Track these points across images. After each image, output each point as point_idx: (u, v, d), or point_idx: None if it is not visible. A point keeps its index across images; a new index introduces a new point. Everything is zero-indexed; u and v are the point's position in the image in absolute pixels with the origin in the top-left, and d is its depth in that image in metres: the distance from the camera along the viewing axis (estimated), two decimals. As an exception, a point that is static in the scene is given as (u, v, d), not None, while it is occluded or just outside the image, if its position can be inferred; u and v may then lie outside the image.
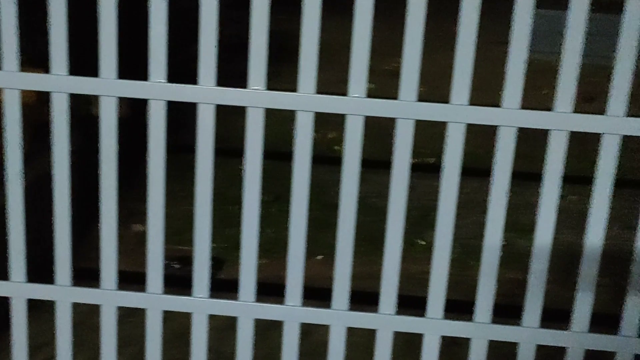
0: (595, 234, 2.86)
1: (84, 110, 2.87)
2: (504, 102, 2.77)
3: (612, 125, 2.77)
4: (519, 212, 3.08)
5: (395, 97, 2.77)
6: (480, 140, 3.00)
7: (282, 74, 3.28)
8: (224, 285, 3.03)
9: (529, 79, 2.77)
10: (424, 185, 2.88)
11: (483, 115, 2.77)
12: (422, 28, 2.73)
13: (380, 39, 2.75)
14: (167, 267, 2.94)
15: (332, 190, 2.89)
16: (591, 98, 2.81)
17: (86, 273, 3.05)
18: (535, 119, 2.77)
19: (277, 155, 3.20)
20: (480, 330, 2.95)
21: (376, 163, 3.27)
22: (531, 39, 2.73)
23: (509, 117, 2.77)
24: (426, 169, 2.98)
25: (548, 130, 2.79)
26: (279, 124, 2.94)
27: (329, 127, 2.86)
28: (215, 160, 2.85)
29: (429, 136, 2.84)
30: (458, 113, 2.77)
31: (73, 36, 2.78)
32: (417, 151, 2.86)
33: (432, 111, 2.78)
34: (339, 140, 2.83)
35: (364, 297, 3.00)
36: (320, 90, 2.79)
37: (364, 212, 2.98)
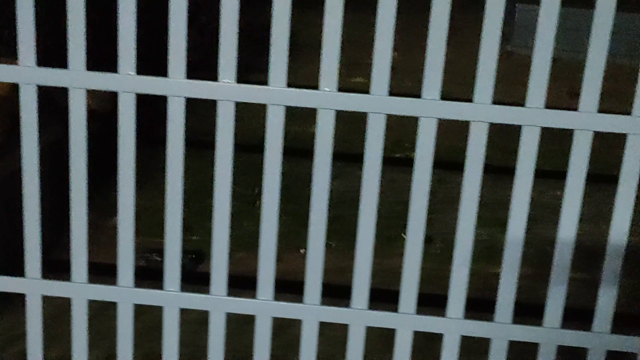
0: (568, 229, 2.84)
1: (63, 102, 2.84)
2: (476, 97, 2.75)
3: (584, 121, 2.74)
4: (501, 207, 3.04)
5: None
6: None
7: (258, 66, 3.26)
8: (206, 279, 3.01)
9: (509, 74, 2.74)
10: (407, 180, 2.86)
11: (454, 110, 2.75)
12: (392, 21, 2.70)
13: (370, 31, 2.73)
14: (148, 260, 2.93)
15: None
16: (576, 94, 2.77)
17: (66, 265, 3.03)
18: (507, 115, 2.75)
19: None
20: (454, 325, 2.94)
21: (357, 157, 3.21)
22: (511, 33, 2.69)
23: (481, 112, 2.74)
24: (409, 163, 2.93)
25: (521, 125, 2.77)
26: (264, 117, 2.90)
27: (311, 120, 2.82)
28: (195, 153, 2.82)
29: (413, 130, 2.79)
30: (429, 108, 2.75)
31: (43, 27, 2.77)
32: (401, 145, 2.83)
33: (403, 106, 2.76)
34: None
35: (343, 292, 2.98)
36: (300, 84, 2.77)
37: (343, 206, 2.95)
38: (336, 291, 2.99)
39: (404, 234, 2.89)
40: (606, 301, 2.90)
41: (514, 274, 2.89)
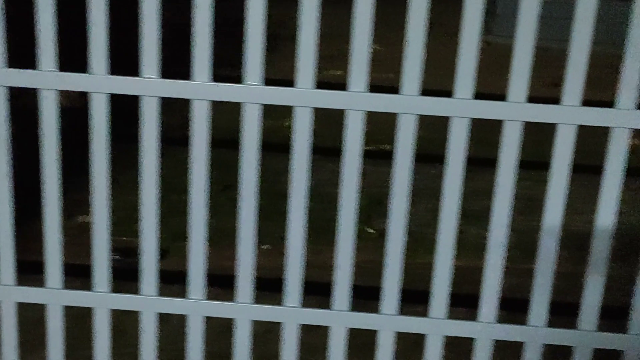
0: (553, 223, 2.79)
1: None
2: (457, 92, 2.69)
3: (567, 115, 2.69)
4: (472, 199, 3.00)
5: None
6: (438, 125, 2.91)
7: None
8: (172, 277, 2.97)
9: (490, 64, 2.70)
10: (377, 172, 2.81)
11: (435, 106, 2.69)
12: (370, 14, 2.64)
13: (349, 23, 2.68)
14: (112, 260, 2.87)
15: (285, 179, 2.79)
16: (557, 84, 2.74)
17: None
18: (487, 109, 2.69)
19: (227, 143, 3.09)
20: (435, 325, 2.88)
21: (329, 150, 3.13)
22: (492, 23, 2.64)
23: (461, 107, 2.69)
24: (381, 156, 2.89)
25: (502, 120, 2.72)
26: (229, 112, 2.84)
27: (285, 114, 2.78)
28: (164, 150, 2.78)
29: (385, 122, 2.77)
30: (408, 104, 2.69)
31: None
32: (372, 138, 2.77)
33: (381, 102, 2.70)
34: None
35: (316, 288, 2.94)
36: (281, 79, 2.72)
37: (316, 200, 2.92)
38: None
39: (369, 228, 2.83)
40: (592, 298, 2.85)
41: (497, 272, 2.84)
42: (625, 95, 2.68)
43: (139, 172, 2.78)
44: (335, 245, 2.82)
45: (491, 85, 2.89)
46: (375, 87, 2.70)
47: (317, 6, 2.64)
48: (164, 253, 3.11)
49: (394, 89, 2.70)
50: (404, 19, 2.62)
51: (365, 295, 2.96)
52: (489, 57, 2.73)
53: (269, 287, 2.97)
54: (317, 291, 2.96)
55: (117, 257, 2.97)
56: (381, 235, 2.88)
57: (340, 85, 2.72)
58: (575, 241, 3.08)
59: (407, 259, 2.82)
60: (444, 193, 2.77)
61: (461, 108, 2.68)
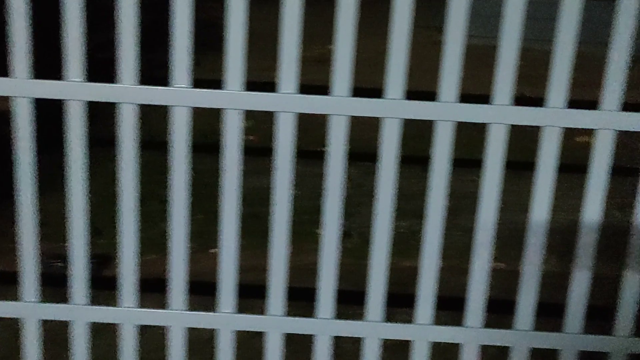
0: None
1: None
2: (388, 92, 2.59)
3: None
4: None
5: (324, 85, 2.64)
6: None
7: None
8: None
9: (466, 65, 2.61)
10: (317, 175, 2.75)
11: (365, 107, 2.61)
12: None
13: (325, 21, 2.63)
14: (50, 267, 2.69)
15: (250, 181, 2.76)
16: (536, 83, 2.83)
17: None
18: (419, 110, 2.61)
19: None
20: (372, 329, 2.79)
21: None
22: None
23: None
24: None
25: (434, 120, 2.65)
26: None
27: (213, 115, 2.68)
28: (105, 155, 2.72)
29: (320, 124, 2.69)
30: (392, 107, 2.60)
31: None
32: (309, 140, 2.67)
33: (314, 103, 2.60)
34: (254, 129, 2.72)
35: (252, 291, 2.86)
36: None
37: (261, 203, 2.85)
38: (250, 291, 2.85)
39: (318, 229, 2.74)
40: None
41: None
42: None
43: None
44: (269, 248, 2.73)
45: (466, 87, 2.74)
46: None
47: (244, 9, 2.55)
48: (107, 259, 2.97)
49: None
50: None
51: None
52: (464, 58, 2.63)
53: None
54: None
55: (59, 263, 2.79)
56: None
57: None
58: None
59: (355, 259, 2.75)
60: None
61: (391, 108, 2.61)
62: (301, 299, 2.86)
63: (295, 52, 2.58)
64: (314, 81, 2.76)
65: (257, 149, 2.99)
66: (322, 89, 2.65)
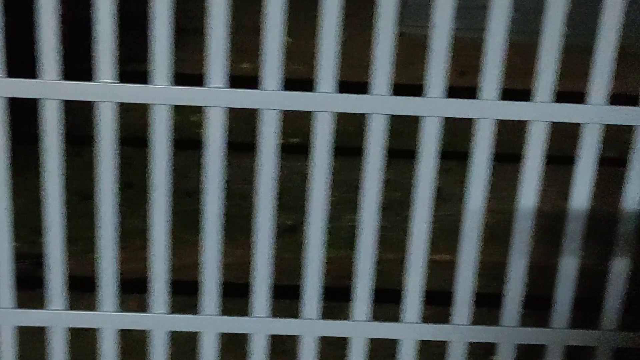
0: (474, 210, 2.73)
1: None
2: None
3: (485, 110, 2.64)
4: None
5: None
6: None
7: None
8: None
9: (403, 56, 2.67)
10: (288, 167, 2.78)
11: (352, 103, 2.63)
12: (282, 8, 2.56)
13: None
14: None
15: (192, 176, 2.74)
16: (463, 72, 2.72)
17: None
18: (406, 106, 2.63)
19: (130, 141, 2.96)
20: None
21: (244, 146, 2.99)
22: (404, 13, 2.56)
23: (323, 102, 2.62)
24: (290, 149, 2.84)
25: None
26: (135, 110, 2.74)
27: (191, 109, 2.69)
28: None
29: (293, 115, 2.67)
30: (323, 101, 2.62)
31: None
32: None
33: (295, 100, 2.62)
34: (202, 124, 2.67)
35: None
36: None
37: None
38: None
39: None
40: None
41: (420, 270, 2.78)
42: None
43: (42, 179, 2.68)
44: (252, 245, 2.74)
45: (403, 77, 2.76)
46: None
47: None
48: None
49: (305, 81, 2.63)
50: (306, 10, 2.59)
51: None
52: (400, 48, 2.63)
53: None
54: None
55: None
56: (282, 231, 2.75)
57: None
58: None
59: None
60: (363, 190, 2.70)
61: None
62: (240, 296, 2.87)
63: (278, 48, 2.58)
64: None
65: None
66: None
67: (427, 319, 2.85)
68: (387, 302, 2.88)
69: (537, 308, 2.86)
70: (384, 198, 2.72)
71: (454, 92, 2.64)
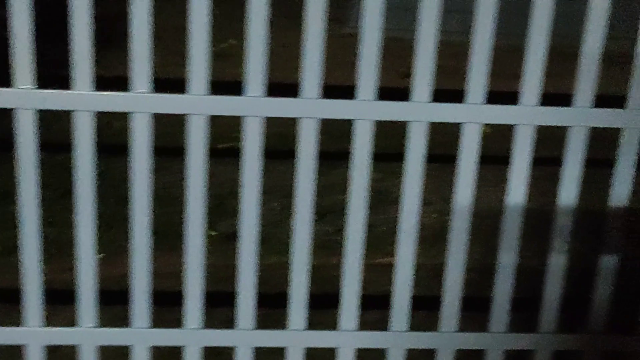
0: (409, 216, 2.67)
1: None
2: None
3: (417, 112, 2.61)
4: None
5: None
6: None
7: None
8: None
9: (348, 57, 2.63)
10: (218, 172, 2.70)
11: (226, 105, 2.58)
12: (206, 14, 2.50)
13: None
14: None
15: (120, 183, 2.67)
16: (408, 75, 2.64)
17: None
18: (337, 109, 2.59)
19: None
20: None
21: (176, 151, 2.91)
22: (348, 15, 2.50)
23: (252, 106, 2.57)
24: (222, 154, 2.79)
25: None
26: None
27: (114, 115, 2.60)
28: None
29: (226, 120, 2.63)
30: (252, 105, 2.56)
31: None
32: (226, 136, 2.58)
33: (223, 105, 2.57)
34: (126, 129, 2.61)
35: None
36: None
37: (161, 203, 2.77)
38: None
39: (213, 231, 2.64)
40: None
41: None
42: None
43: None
44: (183, 251, 2.66)
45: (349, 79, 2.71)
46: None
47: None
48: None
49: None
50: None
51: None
52: (345, 49, 2.60)
53: (107, 300, 2.80)
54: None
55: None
56: (225, 237, 2.65)
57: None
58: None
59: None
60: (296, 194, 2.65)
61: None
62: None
63: (204, 56, 2.52)
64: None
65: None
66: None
67: (373, 323, 2.78)
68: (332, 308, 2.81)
69: (481, 311, 2.82)
70: (328, 202, 2.67)
71: (399, 93, 2.62)
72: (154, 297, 2.71)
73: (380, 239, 2.82)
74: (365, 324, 2.79)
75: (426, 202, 2.74)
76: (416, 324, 2.80)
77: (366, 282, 2.77)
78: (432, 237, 2.79)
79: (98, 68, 2.53)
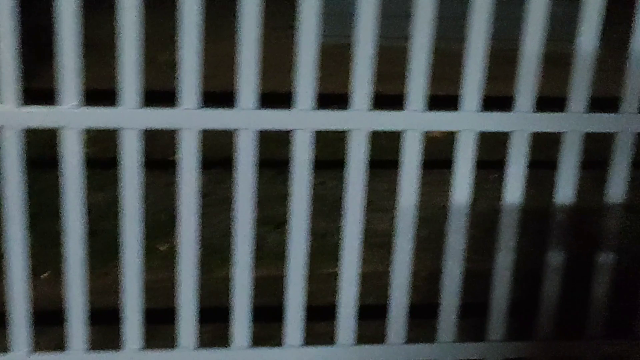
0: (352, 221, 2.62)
1: None
2: (239, 103, 2.51)
3: (356, 121, 2.55)
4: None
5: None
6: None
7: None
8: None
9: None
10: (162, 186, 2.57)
11: (161, 118, 2.50)
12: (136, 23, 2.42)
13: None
14: None
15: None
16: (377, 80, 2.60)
17: None
18: (275, 119, 2.53)
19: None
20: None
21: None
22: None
23: (245, 119, 2.50)
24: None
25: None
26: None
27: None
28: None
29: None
30: (187, 118, 2.49)
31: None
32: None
33: (159, 117, 2.50)
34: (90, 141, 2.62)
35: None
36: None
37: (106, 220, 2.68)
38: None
39: (160, 245, 2.63)
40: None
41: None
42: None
43: None
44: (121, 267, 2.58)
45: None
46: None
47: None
48: None
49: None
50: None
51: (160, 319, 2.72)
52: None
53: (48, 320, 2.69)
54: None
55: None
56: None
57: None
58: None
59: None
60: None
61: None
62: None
63: (135, 69, 2.45)
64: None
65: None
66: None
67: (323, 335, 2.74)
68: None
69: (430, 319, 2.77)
70: (279, 213, 2.61)
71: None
72: (95, 317, 2.65)
73: (335, 247, 2.74)
74: (317, 337, 2.74)
75: (382, 209, 2.69)
76: (370, 336, 2.74)
77: (318, 293, 2.73)
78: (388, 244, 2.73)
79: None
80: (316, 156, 2.58)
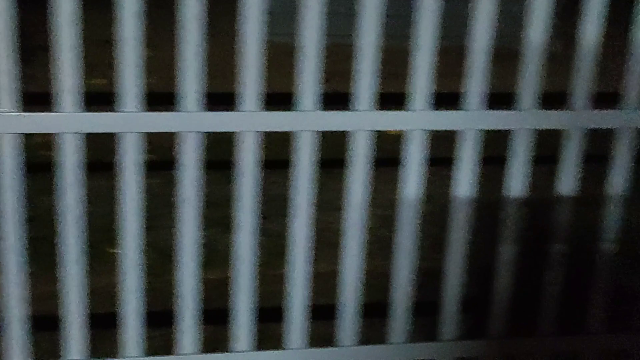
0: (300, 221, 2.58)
1: None
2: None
3: (304, 122, 2.50)
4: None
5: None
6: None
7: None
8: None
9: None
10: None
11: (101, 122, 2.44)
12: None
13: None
14: None
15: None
16: (327, 79, 2.57)
17: None
18: (218, 121, 2.47)
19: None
20: None
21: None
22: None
23: (128, 121, 2.44)
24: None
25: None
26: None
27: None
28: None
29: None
30: (128, 121, 2.43)
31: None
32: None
33: (102, 121, 2.43)
34: (45, 145, 2.54)
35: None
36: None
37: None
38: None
39: (110, 248, 2.58)
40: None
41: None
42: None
43: None
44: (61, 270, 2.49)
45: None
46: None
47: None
48: None
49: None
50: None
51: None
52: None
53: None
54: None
55: None
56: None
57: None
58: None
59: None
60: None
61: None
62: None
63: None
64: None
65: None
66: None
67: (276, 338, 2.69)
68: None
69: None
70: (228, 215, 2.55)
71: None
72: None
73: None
74: (270, 340, 2.70)
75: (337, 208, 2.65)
76: (322, 337, 2.70)
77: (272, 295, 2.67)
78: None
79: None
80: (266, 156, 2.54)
